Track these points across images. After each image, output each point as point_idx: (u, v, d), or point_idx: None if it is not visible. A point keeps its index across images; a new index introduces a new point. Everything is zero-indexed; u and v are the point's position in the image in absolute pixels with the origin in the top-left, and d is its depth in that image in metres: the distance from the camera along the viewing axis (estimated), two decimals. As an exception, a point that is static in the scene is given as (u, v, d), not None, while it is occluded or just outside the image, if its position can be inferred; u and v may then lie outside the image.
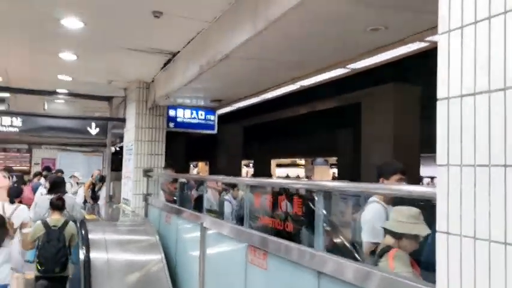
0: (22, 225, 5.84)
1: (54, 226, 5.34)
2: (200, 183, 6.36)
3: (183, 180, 6.40)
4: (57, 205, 5.58)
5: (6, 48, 5.83)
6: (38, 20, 4.63)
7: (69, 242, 5.36)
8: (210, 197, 5.41)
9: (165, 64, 6.29)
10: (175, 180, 6.81)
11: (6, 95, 8.78)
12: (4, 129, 7.61)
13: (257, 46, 3.88)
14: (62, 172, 10.26)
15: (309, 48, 4.08)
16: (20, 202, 6.21)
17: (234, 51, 4.02)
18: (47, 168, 11.30)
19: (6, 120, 7.58)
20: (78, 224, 5.83)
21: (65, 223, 5.44)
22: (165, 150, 7.66)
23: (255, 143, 21.35)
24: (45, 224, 5.36)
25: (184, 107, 7.73)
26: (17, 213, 6.06)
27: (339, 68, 4.65)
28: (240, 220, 4.90)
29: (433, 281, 1.60)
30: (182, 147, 21.65)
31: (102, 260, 5.03)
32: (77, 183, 10.93)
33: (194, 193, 6.23)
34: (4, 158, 12.97)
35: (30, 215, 6.08)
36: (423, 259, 2.66)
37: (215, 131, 8.13)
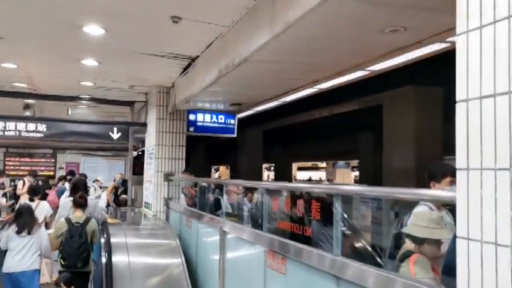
0: (46, 220, 6.09)
1: (76, 223, 5.54)
2: (217, 187, 6.38)
3: (203, 184, 6.42)
4: (80, 203, 5.77)
5: (31, 56, 5.97)
6: (60, 28, 4.73)
7: (91, 238, 5.57)
8: (226, 200, 5.40)
9: (185, 69, 6.34)
10: (196, 185, 6.84)
11: (31, 101, 9.01)
12: (29, 134, 7.79)
13: (275, 49, 3.87)
14: (86, 176, 10.42)
15: (327, 50, 4.05)
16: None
17: (252, 55, 4.02)
18: (71, 173, 11.51)
19: (31, 125, 7.76)
20: (100, 226, 5.99)
21: (87, 220, 5.64)
22: (186, 155, 7.71)
23: (276, 146, 21.30)
24: (68, 221, 5.58)
25: (204, 111, 7.77)
26: (39, 209, 6.60)
27: (357, 70, 4.60)
28: (254, 223, 4.90)
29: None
30: (204, 151, 21.80)
31: (123, 263, 5.08)
32: (100, 187, 11.10)
33: (211, 197, 6.24)
34: (30, 163, 13.26)
35: (55, 218, 6.38)
36: (446, 264, 2.60)
37: (235, 135, 8.14)
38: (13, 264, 5.48)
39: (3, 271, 5.49)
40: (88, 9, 4.25)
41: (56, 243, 5.64)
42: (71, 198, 6.18)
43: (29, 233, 5.57)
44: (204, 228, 5.45)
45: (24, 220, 5.65)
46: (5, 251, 5.56)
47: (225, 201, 5.31)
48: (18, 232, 5.54)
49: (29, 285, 5.55)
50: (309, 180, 30.47)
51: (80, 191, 6.14)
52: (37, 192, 7.29)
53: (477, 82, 1.44)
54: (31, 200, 7.00)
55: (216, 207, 5.83)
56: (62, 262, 5.38)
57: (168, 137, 7.49)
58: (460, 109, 1.52)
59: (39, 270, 5.69)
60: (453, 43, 3.50)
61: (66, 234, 5.48)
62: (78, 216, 5.68)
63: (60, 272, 5.35)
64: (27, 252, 5.54)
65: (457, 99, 1.53)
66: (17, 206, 6.41)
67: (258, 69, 4.69)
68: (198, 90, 5.82)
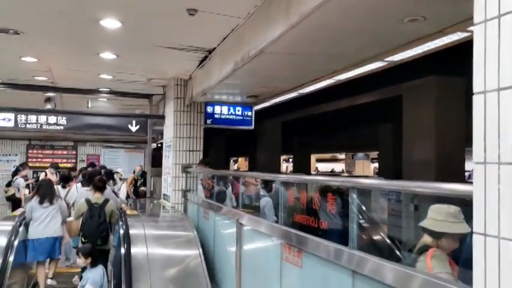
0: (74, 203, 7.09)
1: (95, 204, 6.14)
2: (220, 178, 6.42)
3: (220, 176, 6.44)
4: (99, 186, 6.39)
5: (51, 50, 6.05)
6: (78, 21, 4.77)
7: (109, 218, 6.14)
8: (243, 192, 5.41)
9: (202, 61, 6.34)
10: (213, 177, 6.87)
11: (52, 94, 9.15)
12: (50, 127, 7.92)
13: (291, 40, 3.83)
14: (105, 168, 10.57)
15: (344, 41, 3.99)
16: None
17: (268, 46, 3.99)
18: (92, 164, 11.69)
19: (52, 118, 7.89)
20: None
21: (106, 201, 6.25)
22: (205, 147, 7.75)
23: (294, 138, 21.24)
24: (88, 202, 6.17)
25: (221, 103, 7.78)
26: (70, 194, 7.68)
27: (376, 61, 4.52)
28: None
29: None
30: (222, 143, 21.88)
31: (142, 254, 5.14)
32: (120, 179, 11.24)
33: (217, 188, 6.28)
34: (51, 155, 13.51)
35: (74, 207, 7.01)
36: (463, 258, 2.55)
37: (252, 127, 8.13)
38: (38, 231, 6.09)
39: (29, 237, 6.05)
40: (105, 3, 4.27)
41: (76, 228, 6.27)
42: (86, 189, 6.94)
43: (50, 203, 6.24)
44: (221, 220, 5.48)
45: (44, 191, 6.30)
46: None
47: (241, 193, 5.31)
48: (41, 202, 6.20)
49: (53, 250, 6.23)
50: (332, 172, 30.39)
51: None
52: (68, 179, 8.53)
53: (495, 74, 1.40)
54: (63, 186, 8.04)
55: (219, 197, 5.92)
56: (83, 240, 5.91)
57: (185, 129, 7.53)
58: (477, 101, 1.47)
59: (61, 237, 6.38)
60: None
61: (86, 214, 6.05)
62: (97, 197, 6.27)
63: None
64: (50, 221, 6.18)
65: (474, 91, 1.48)
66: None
67: (274, 61, 4.65)
68: (215, 82, 5.82)
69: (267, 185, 5.73)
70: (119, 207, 6.89)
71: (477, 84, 1.47)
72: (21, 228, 5.95)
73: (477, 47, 1.47)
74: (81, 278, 5.50)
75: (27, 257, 6.05)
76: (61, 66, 7.02)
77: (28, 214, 6.18)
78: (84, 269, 5.40)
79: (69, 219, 6.95)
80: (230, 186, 6.20)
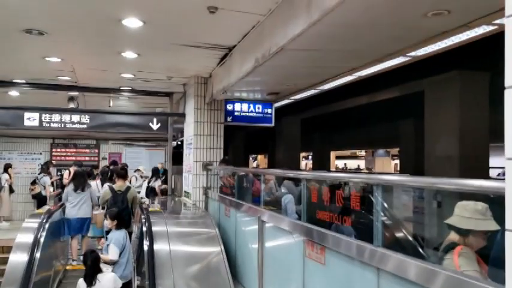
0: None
1: (119, 191, 6.97)
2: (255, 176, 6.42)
3: (241, 173, 6.45)
4: (121, 174, 7.36)
5: (74, 50, 6.15)
6: (101, 21, 4.84)
7: (131, 203, 6.93)
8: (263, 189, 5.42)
9: (222, 59, 6.35)
10: (233, 174, 6.89)
11: (75, 93, 9.30)
12: (73, 126, 8.05)
13: (312, 37, 3.81)
14: (127, 166, 10.69)
15: (366, 37, 3.95)
16: None
17: (289, 43, 3.97)
18: (114, 162, 11.84)
19: (75, 117, 8.01)
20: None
21: (128, 188, 7.10)
22: (224, 144, 7.77)
23: (314, 135, 21.15)
24: (112, 189, 7.03)
25: (241, 100, 7.79)
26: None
27: (398, 56, 4.46)
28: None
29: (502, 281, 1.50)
30: (242, 140, 21.93)
31: (165, 251, 5.19)
32: (141, 176, 11.36)
33: (247, 185, 6.30)
34: (75, 153, 13.73)
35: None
36: (492, 257, 2.50)
37: (272, 124, 8.12)
38: (72, 212, 7.43)
39: (66, 216, 7.44)
40: (127, 2, 4.32)
41: (100, 221, 7.19)
42: (106, 184, 8.03)
43: (82, 190, 7.55)
44: (242, 218, 5.49)
45: (78, 181, 7.63)
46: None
47: (262, 190, 5.31)
48: (75, 190, 7.52)
49: (83, 228, 7.53)
50: (358, 169, 30.24)
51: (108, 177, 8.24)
52: (89, 175, 9.01)
53: (528, 67, 1.36)
54: (103, 182, 8.84)
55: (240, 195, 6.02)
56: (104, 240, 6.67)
57: (206, 127, 7.56)
58: (508, 95, 1.44)
59: (90, 218, 7.67)
60: (501, 25, 3.33)
61: (110, 201, 6.84)
62: (119, 185, 7.14)
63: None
64: (82, 205, 7.48)
65: (505, 85, 1.45)
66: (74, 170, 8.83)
67: (295, 58, 4.63)
68: (235, 80, 5.83)
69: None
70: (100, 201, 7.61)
71: (509, 78, 1.43)
72: (47, 225, 6.08)
73: (509, 40, 1.44)
74: (106, 239, 6.19)
75: (64, 233, 7.48)
76: (84, 65, 7.13)
77: (64, 198, 7.65)
78: (109, 231, 6.12)
79: (94, 212, 7.86)
80: (251, 184, 6.20)
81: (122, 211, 6.37)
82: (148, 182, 10.37)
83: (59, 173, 12.79)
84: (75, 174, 7.98)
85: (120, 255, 5.55)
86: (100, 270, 4.89)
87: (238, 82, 5.86)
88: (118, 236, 5.66)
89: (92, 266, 4.82)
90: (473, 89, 8.43)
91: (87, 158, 13.65)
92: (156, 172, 10.48)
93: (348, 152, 32.66)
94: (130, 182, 10.95)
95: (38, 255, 5.47)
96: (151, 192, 9.81)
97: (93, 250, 5.27)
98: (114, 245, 5.53)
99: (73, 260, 7.63)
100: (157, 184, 9.87)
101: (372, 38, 4.00)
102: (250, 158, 31.91)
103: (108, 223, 5.96)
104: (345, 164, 33.43)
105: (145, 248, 5.21)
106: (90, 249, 5.33)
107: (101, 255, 5.31)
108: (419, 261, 2.22)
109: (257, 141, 22.06)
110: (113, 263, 5.47)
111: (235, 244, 5.68)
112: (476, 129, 8.34)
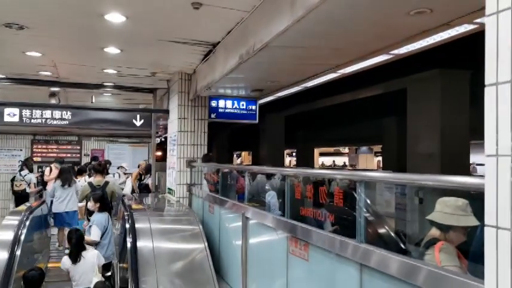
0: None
1: (97, 185, 7.07)
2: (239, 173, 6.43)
3: (225, 170, 6.45)
4: (98, 169, 7.47)
5: (55, 44, 6.04)
6: (83, 16, 4.76)
7: (110, 198, 7.02)
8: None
9: (206, 55, 6.32)
10: (218, 171, 6.87)
11: (56, 89, 9.16)
12: (55, 122, 7.94)
13: (296, 34, 3.81)
14: (110, 163, 10.59)
15: (349, 34, 3.97)
16: None
17: (273, 40, 3.97)
18: (95, 158, 11.71)
19: (57, 113, 7.90)
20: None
21: (106, 183, 7.17)
22: (208, 141, 7.75)
23: (298, 132, 21.21)
24: (91, 185, 7.15)
25: (225, 97, 7.77)
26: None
27: (381, 54, 4.50)
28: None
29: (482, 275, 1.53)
30: (226, 137, 21.88)
31: (148, 248, 5.16)
32: (124, 173, 11.27)
33: (232, 183, 6.32)
34: (56, 150, 13.55)
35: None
36: (472, 251, 2.54)
37: (256, 121, 8.12)
38: (61, 207, 7.90)
39: (54, 211, 7.96)
40: (109, -3, 4.27)
41: (83, 210, 7.12)
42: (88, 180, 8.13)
43: (69, 186, 8.03)
44: (226, 214, 5.49)
45: (65, 177, 8.06)
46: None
47: (246, 186, 5.32)
48: (62, 185, 7.98)
49: (71, 221, 7.91)
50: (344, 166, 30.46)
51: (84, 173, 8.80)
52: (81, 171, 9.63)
53: (507, 65, 1.39)
54: (90, 176, 8.93)
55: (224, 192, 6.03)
56: (88, 217, 6.64)
57: (190, 123, 7.52)
58: (489, 93, 1.46)
59: (77, 210, 7.83)
60: (481, 25, 3.38)
61: (90, 196, 6.73)
62: (98, 180, 7.23)
63: None
64: (70, 199, 7.95)
65: (486, 83, 1.47)
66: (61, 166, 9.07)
67: (279, 55, 4.64)
68: (219, 76, 5.81)
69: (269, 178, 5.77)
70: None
71: (489, 76, 1.46)
72: (28, 223, 5.99)
73: (489, 39, 1.46)
74: (89, 221, 6.36)
75: (53, 224, 8.25)
76: (65, 61, 7.02)
77: (51, 193, 8.14)
78: (92, 213, 6.29)
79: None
80: (235, 180, 6.21)
81: None
82: (142, 179, 10.29)
83: (39, 170, 12.60)
84: (62, 170, 8.35)
85: (102, 237, 5.89)
86: (84, 248, 5.17)
87: (223, 79, 5.84)
88: (100, 218, 5.98)
89: (77, 244, 5.09)
90: (454, 87, 8.55)
91: (69, 155, 13.49)
92: (149, 169, 10.40)
93: (331, 149, 32.87)
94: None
95: (18, 252, 5.39)
96: (144, 189, 9.76)
97: (78, 229, 5.57)
98: (96, 227, 5.85)
99: (63, 247, 8.10)
100: (150, 181, 9.81)
101: (356, 36, 4.03)
102: (235, 155, 31.87)
103: (91, 205, 6.24)
104: (334, 161, 33.63)
105: (129, 245, 5.17)
106: (75, 228, 5.63)
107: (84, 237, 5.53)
108: (401, 257, 2.25)
109: (241, 138, 22.02)
110: (95, 244, 5.72)
111: (219, 241, 5.67)
112: (457, 127, 8.46)
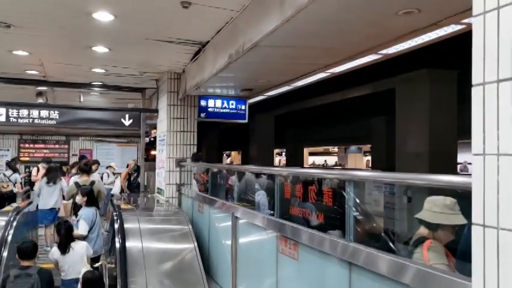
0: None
1: (83, 185, 6.86)
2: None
3: (215, 170, 6.44)
4: (84, 169, 7.39)
5: (42, 43, 5.98)
6: (70, 14, 4.72)
7: (97, 196, 6.81)
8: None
9: (195, 54, 6.30)
10: (207, 171, 6.86)
11: (44, 88, 9.06)
12: (42, 121, 7.85)
13: (286, 34, 3.82)
14: (99, 163, 10.50)
15: (338, 34, 3.99)
16: None
17: (263, 39, 3.97)
18: (83, 157, 11.60)
19: (44, 113, 7.81)
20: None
21: (92, 182, 7.02)
22: (198, 141, 7.73)
23: (287, 132, 21.27)
24: (77, 184, 7.04)
25: (215, 97, 7.75)
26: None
27: (370, 54, 4.52)
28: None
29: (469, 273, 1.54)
30: (215, 136, 21.86)
31: (137, 249, 5.13)
32: (113, 173, 11.18)
33: (222, 182, 6.30)
34: (44, 150, 13.41)
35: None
36: (460, 250, 2.57)
37: (246, 120, 8.12)
38: (45, 204, 7.87)
39: (40, 208, 7.93)
40: (97, -5, 4.23)
41: (68, 208, 7.20)
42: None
43: (54, 183, 7.98)
44: (216, 214, 5.48)
45: (52, 175, 8.07)
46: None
47: (236, 186, 5.32)
48: (48, 182, 7.96)
49: (54, 216, 7.92)
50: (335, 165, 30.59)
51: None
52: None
53: (494, 65, 1.40)
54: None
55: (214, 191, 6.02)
56: (75, 217, 6.57)
57: (179, 123, 7.50)
58: (476, 93, 1.48)
59: (59, 208, 8.07)
60: (469, 25, 3.42)
61: (76, 196, 6.67)
62: (84, 180, 7.12)
63: None
64: (54, 196, 7.94)
65: (473, 83, 1.49)
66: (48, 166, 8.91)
67: (269, 54, 4.64)
68: (209, 76, 5.80)
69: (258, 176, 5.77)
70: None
71: (476, 76, 1.47)
72: (15, 223, 5.91)
73: (476, 39, 1.48)
74: (76, 215, 6.27)
75: (38, 222, 8.05)
76: (53, 59, 6.95)
77: (37, 192, 8.19)
78: (79, 209, 6.24)
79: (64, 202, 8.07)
80: (224, 180, 6.19)
81: None
82: (132, 179, 10.21)
83: (27, 170, 12.46)
84: (49, 168, 8.41)
85: (90, 231, 5.86)
86: (73, 239, 5.22)
87: (212, 78, 5.83)
88: (88, 212, 5.97)
89: (66, 235, 5.12)
90: (442, 87, 8.63)
91: (56, 155, 13.35)
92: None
93: (321, 149, 32.99)
94: (102, 179, 10.78)
95: (5, 254, 5.32)
96: (136, 187, 9.73)
97: (67, 220, 5.76)
98: (83, 221, 5.83)
99: (47, 246, 7.82)
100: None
101: (344, 36, 4.04)
102: (224, 155, 31.84)
103: (79, 199, 6.25)
104: (325, 161, 33.73)
105: (117, 245, 5.13)
106: (64, 219, 5.87)
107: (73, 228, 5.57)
108: (390, 255, 2.27)
109: (231, 137, 22.02)
110: (83, 238, 5.65)
111: (209, 240, 5.66)
112: (445, 126, 8.55)
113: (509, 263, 1.35)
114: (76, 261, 5.01)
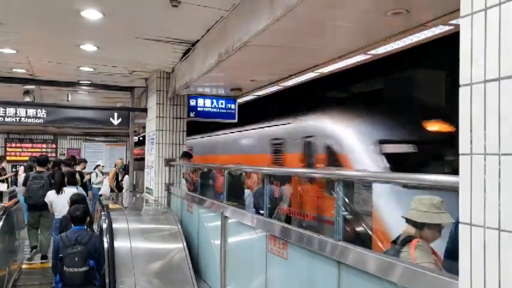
0: None
1: (38, 172, 7.76)
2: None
3: (204, 169, 6.42)
4: (67, 163, 8.56)
5: (30, 41, 5.91)
6: (58, 12, 4.67)
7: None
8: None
9: (185, 53, 6.28)
10: (196, 170, 6.84)
11: (31, 87, 8.96)
12: (29, 120, 7.76)
13: (275, 33, 3.82)
14: (86, 162, 10.43)
15: (328, 34, 4.00)
16: None
17: (252, 39, 3.97)
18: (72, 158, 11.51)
19: (32, 111, 7.72)
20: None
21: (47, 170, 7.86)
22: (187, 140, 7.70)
23: (277, 131, 21.23)
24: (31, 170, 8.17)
25: (204, 96, 7.73)
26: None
27: (359, 54, 4.55)
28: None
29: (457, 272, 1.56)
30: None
31: (125, 249, 5.10)
32: (102, 172, 11.10)
33: (210, 181, 6.29)
34: (31, 149, 13.27)
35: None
36: (447, 248, 2.59)
37: (236, 120, 8.11)
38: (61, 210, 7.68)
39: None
40: (86, -7, 4.20)
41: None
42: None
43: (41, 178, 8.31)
44: (205, 213, 5.47)
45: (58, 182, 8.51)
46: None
47: (225, 185, 5.31)
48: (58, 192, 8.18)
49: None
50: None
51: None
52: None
53: (481, 66, 1.42)
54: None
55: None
56: (28, 200, 7.60)
57: (168, 122, 7.46)
58: (463, 93, 1.49)
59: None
60: (457, 26, 3.45)
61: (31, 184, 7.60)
62: (39, 170, 7.82)
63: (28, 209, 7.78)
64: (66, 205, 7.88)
65: (460, 83, 1.50)
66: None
67: (259, 54, 4.64)
68: (198, 75, 5.78)
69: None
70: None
71: (463, 77, 1.49)
72: (1, 223, 5.84)
73: (463, 40, 1.49)
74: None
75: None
76: (40, 58, 6.87)
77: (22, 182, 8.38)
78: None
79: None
80: (213, 179, 6.19)
81: (39, 188, 7.46)
82: (119, 178, 10.15)
83: (13, 169, 12.33)
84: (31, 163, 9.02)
85: None
86: (65, 184, 6.89)
87: (202, 77, 5.81)
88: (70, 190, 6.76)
89: (60, 179, 6.86)
90: (429, 88, 8.68)
91: (44, 154, 13.20)
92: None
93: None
94: (90, 179, 10.71)
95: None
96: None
97: (60, 168, 7.20)
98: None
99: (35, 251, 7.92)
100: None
101: (334, 36, 4.06)
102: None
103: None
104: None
105: (106, 245, 5.09)
106: (58, 168, 7.23)
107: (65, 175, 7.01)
108: (377, 254, 2.28)
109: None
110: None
111: (198, 240, 5.65)
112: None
113: (495, 261, 1.37)
114: (66, 203, 5.94)
